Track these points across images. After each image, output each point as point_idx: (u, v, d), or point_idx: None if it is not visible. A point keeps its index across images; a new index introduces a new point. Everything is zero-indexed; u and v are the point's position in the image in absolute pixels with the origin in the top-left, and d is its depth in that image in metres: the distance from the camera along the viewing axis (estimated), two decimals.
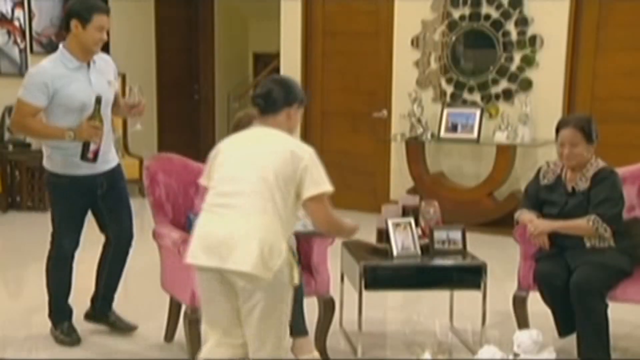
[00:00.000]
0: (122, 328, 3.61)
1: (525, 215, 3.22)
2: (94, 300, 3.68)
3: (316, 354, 2.97)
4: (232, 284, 2.34)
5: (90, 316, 3.66)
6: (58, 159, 3.34)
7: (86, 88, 3.26)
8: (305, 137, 7.09)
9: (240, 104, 10.09)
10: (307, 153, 2.42)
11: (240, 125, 3.03)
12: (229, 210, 2.35)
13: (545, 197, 3.22)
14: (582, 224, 3.05)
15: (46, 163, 3.41)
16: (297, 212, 2.47)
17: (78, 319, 3.60)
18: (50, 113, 3.25)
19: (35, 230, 6.05)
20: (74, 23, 3.23)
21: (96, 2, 3.32)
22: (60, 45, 3.33)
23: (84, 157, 3.26)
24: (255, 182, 2.35)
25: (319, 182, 2.39)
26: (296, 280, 2.39)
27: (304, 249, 3.20)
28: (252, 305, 2.33)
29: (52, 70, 3.23)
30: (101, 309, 3.65)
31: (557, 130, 3.17)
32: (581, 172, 3.14)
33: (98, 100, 3.22)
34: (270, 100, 2.47)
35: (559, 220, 3.12)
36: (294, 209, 2.42)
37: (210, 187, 2.46)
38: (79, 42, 3.26)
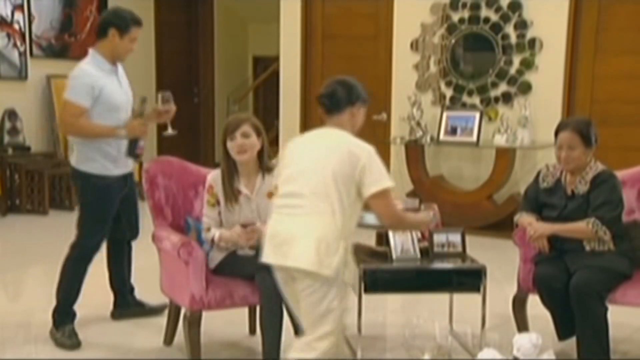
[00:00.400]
0: (155, 309, 3.80)
1: (525, 218, 3.22)
2: (119, 296, 3.80)
3: None
4: (295, 279, 2.47)
5: (120, 312, 3.78)
6: (99, 160, 3.43)
7: (119, 90, 3.49)
8: None
9: (240, 107, 10.11)
10: (366, 152, 2.49)
11: (229, 129, 3.08)
12: (291, 210, 2.49)
13: (544, 200, 3.22)
14: (581, 227, 3.05)
15: (83, 165, 3.46)
16: (358, 209, 2.54)
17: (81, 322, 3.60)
18: (92, 114, 3.37)
19: (34, 233, 6.06)
20: (112, 32, 3.42)
21: (134, 15, 3.53)
22: (92, 50, 3.50)
23: (131, 153, 3.45)
24: (314, 183, 2.46)
25: (379, 180, 2.48)
26: (347, 280, 2.48)
27: None
28: (308, 295, 2.44)
29: (94, 72, 3.40)
30: (133, 299, 3.84)
31: (556, 133, 3.17)
32: (580, 175, 3.13)
33: (144, 100, 3.50)
34: (334, 100, 2.60)
35: (559, 223, 3.12)
36: (355, 207, 2.50)
37: (277, 188, 2.62)
38: (113, 50, 3.45)
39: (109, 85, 3.41)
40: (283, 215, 2.52)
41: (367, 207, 2.57)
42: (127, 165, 3.56)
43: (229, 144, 3.09)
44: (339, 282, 2.45)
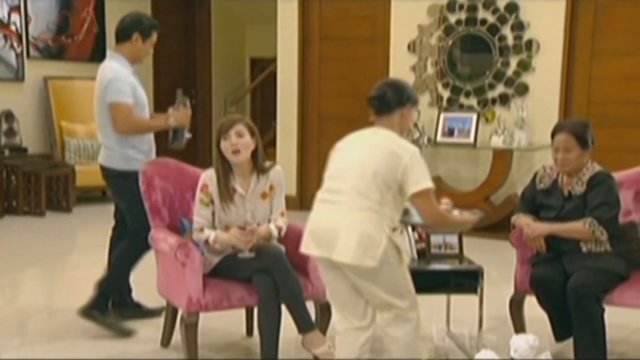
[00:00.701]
0: (152, 311, 3.79)
1: (522, 219, 3.23)
2: (118, 295, 3.78)
3: (329, 344, 2.97)
4: (343, 270, 2.59)
5: (117, 313, 3.73)
6: (137, 158, 3.57)
7: (142, 88, 3.69)
8: (302, 141, 7.10)
9: (237, 109, 10.10)
10: (408, 153, 2.58)
11: (222, 128, 3.09)
12: (333, 205, 2.61)
13: (541, 201, 3.22)
14: (578, 227, 3.05)
15: (123, 165, 3.59)
16: (400, 205, 2.64)
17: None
18: None
19: (31, 235, 6.05)
20: (135, 36, 3.59)
21: (154, 19, 3.75)
22: (112, 52, 3.66)
23: (176, 141, 3.66)
24: (355, 179, 2.57)
25: (420, 180, 2.57)
26: (406, 260, 2.64)
27: (300, 253, 3.19)
28: (367, 287, 2.59)
29: (126, 72, 3.57)
30: (131, 300, 3.84)
31: (553, 136, 3.17)
32: (577, 176, 3.14)
33: (182, 93, 3.70)
34: (384, 101, 2.69)
35: (556, 224, 3.12)
36: (396, 202, 2.60)
37: (323, 183, 2.72)
38: (134, 52, 3.62)
39: (137, 85, 3.61)
40: (324, 210, 2.64)
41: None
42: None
43: (223, 144, 3.09)
44: (388, 267, 2.55)
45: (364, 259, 2.51)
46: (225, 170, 3.12)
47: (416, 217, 2.82)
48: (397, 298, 2.62)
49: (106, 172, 3.67)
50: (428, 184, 2.60)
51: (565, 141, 3.09)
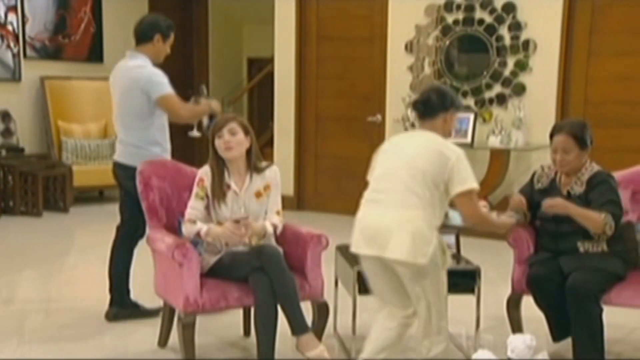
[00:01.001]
0: (150, 312, 3.81)
1: (516, 196, 3.24)
2: (116, 294, 3.81)
3: (322, 348, 2.98)
4: (393, 267, 2.67)
5: (115, 313, 3.78)
6: (160, 154, 3.69)
7: None
8: (300, 141, 7.10)
9: (234, 109, 10.08)
10: (455, 154, 2.68)
11: (216, 127, 3.13)
12: (382, 204, 2.69)
13: (539, 200, 3.22)
14: (594, 216, 3.00)
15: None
16: (445, 206, 2.73)
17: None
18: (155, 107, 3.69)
19: (28, 235, 6.04)
20: (157, 37, 3.76)
21: (171, 21, 3.91)
22: (134, 52, 3.76)
23: (200, 129, 3.83)
24: (405, 179, 2.65)
25: (466, 180, 2.66)
26: (448, 264, 2.72)
27: (298, 254, 3.20)
28: (413, 285, 2.67)
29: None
30: (129, 299, 3.85)
31: (551, 136, 3.17)
32: (576, 176, 3.14)
33: (205, 86, 4.05)
34: (428, 106, 2.79)
35: (574, 205, 3.06)
36: (441, 204, 2.69)
37: (369, 183, 2.82)
38: (155, 53, 3.78)
39: None
40: (374, 209, 2.72)
41: (452, 205, 2.79)
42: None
43: (217, 142, 3.11)
44: (434, 267, 2.64)
45: (417, 256, 2.59)
46: (220, 168, 3.13)
47: (455, 220, 2.90)
48: (437, 300, 2.70)
49: (125, 170, 3.65)
50: (473, 184, 2.68)
51: (563, 142, 3.09)
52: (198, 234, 3.07)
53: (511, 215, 3.10)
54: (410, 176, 2.65)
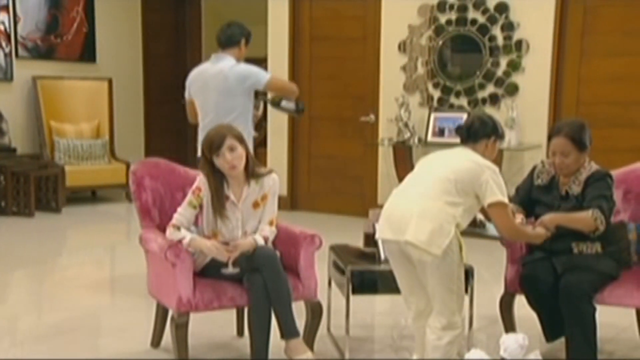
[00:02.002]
0: None
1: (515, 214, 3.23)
2: None
3: (310, 354, 2.98)
4: (409, 256, 2.72)
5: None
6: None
7: None
8: (293, 141, 7.10)
9: None
10: (489, 169, 2.78)
11: (213, 145, 2.99)
12: (411, 195, 2.78)
13: (538, 197, 3.20)
14: (584, 216, 3.01)
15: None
16: (473, 211, 2.82)
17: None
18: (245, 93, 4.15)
19: (20, 235, 6.02)
20: (243, 42, 4.25)
21: (251, 30, 4.40)
22: (222, 54, 4.22)
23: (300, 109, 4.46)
24: (437, 177, 2.76)
25: (496, 193, 2.74)
26: (465, 260, 2.74)
27: (291, 254, 3.19)
28: (426, 275, 2.73)
29: None
30: None
31: (549, 138, 3.14)
32: (575, 175, 3.12)
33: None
34: (471, 131, 2.91)
35: (562, 214, 3.07)
36: (470, 207, 2.76)
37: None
38: (239, 55, 4.24)
39: None
40: (401, 198, 2.82)
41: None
42: None
43: (217, 161, 3.03)
44: (455, 262, 2.70)
45: (432, 245, 2.65)
46: (219, 181, 3.07)
47: (491, 231, 2.97)
48: (448, 294, 2.74)
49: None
50: (504, 198, 2.76)
51: (562, 145, 3.05)
52: (180, 242, 3.00)
53: (541, 228, 3.03)
54: (443, 176, 2.74)
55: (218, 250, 3.00)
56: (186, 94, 4.34)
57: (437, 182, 2.74)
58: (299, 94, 4.41)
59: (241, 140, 3.07)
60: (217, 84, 4.05)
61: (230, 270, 3.00)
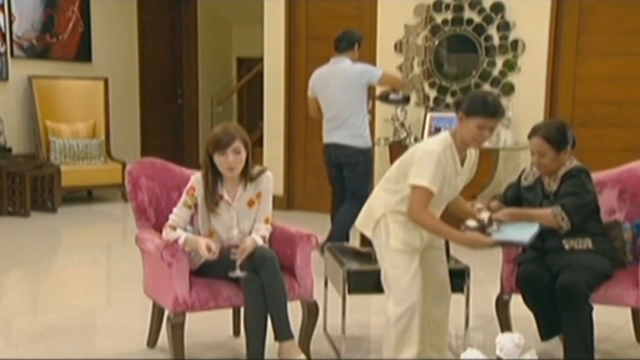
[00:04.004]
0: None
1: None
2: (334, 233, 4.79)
3: (303, 357, 2.98)
4: None
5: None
6: (367, 135, 5.00)
7: None
8: (289, 141, 7.10)
9: (224, 108, 10.07)
10: (425, 151, 2.81)
11: (220, 144, 2.97)
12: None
13: (525, 197, 3.25)
14: (543, 213, 3.05)
15: (365, 143, 4.95)
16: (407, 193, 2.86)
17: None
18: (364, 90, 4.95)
19: (15, 235, 6.00)
20: (357, 45, 4.94)
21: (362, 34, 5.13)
22: (340, 57, 4.92)
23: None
24: (391, 171, 2.96)
25: (418, 176, 2.78)
26: (392, 245, 2.85)
27: (287, 253, 3.19)
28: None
29: None
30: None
31: (529, 138, 3.19)
32: (555, 174, 3.16)
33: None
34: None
35: (525, 209, 3.13)
36: (404, 189, 2.84)
37: None
38: (353, 56, 4.92)
39: None
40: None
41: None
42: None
43: (218, 158, 3.02)
44: (384, 245, 2.88)
45: (364, 227, 2.96)
46: (214, 179, 3.07)
47: (470, 223, 2.94)
48: (385, 282, 2.90)
49: (350, 150, 4.79)
50: (424, 182, 2.76)
51: (538, 145, 3.10)
52: (176, 241, 2.99)
53: (488, 240, 2.89)
54: (396, 163, 2.94)
55: (210, 252, 2.94)
56: (309, 93, 5.14)
57: (389, 170, 2.96)
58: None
59: (247, 144, 3.05)
60: (339, 82, 4.81)
61: (238, 273, 3.00)
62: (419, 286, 2.86)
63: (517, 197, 3.28)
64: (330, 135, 4.95)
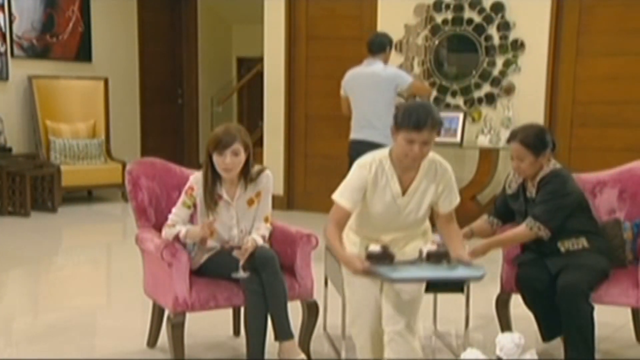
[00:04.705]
0: None
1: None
2: None
3: (303, 357, 2.97)
4: None
5: None
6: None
7: None
8: (289, 141, 7.10)
9: (224, 108, 10.07)
10: (357, 163, 2.90)
11: (220, 144, 2.97)
12: None
13: (512, 205, 3.26)
14: (518, 231, 3.07)
15: (388, 141, 5.11)
16: (360, 215, 2.96)
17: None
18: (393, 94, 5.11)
19: (16, 235, 6.00)
20: (388, 48, 5.15)
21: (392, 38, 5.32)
22: (373, 59, 5.11)
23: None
24: None
25: (339, 191, 2.92)
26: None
27: (287, 253, 3.19)
28: None
29: None
30: None
31: (508, 142, 3.20)
32: (535, 179, 3.15)
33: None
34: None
35: (495, 237, 3.18)
36: (360, 210, 2.92)
37: None
38: (385, 59, 5.14)
39: None
40: None
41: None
42: None
43: (217, 158, 3.01)
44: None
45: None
46: (213, 178, 3.07)
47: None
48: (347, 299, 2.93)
49: (378, 147, 4.79)
50: (334, 195, 2.87)
51: (516, 150, 3.11)
52: (177, 237, 3.01)
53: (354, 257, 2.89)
54: None
55: (202, 231, 2.98)
56: (342, 92, 5.30)
57: None
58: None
59: (247, 146, 3.05)
60: (372, 83, 5.01)
61: (242, 274, 2.99)
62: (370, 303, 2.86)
63: (507, 206, 3.28)
64: (358, 132, 5.12)
